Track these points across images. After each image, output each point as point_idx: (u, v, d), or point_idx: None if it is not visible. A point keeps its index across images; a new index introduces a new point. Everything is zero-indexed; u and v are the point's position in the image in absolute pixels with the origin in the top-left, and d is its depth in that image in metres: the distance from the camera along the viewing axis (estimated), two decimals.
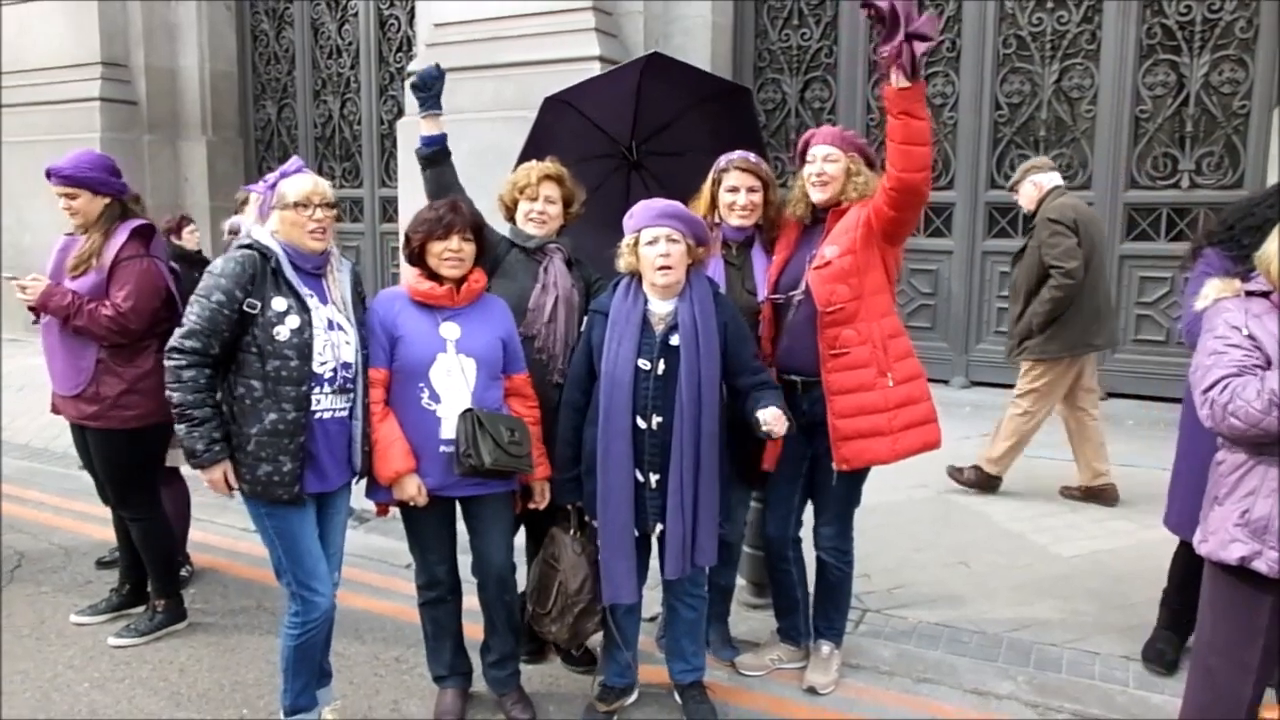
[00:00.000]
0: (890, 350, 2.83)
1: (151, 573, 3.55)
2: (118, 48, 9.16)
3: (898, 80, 2.51)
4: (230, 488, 2.51)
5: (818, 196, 2.89)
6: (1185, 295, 3.03)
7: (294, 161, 2.63)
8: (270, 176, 2.60)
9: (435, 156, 3.10)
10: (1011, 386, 6.51)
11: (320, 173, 10.63)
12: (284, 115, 9.56)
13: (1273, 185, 3.23)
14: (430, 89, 3.13)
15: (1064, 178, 6.37)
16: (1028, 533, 4.31)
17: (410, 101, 7.20)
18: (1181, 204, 6.16)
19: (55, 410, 3.56)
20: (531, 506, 2.89)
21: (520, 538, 3.05)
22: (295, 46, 9.31)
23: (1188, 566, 3.13)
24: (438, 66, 3.15)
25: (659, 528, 2.68)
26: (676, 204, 2.69)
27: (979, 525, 4.40)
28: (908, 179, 2.64)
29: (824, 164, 2.86)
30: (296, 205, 2.52)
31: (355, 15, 8.87)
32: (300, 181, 2.56)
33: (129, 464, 3.41)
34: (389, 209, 8.67)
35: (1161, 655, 3.12)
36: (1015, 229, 6.58)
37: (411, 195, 6.79)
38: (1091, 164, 6.36)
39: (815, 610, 3.15)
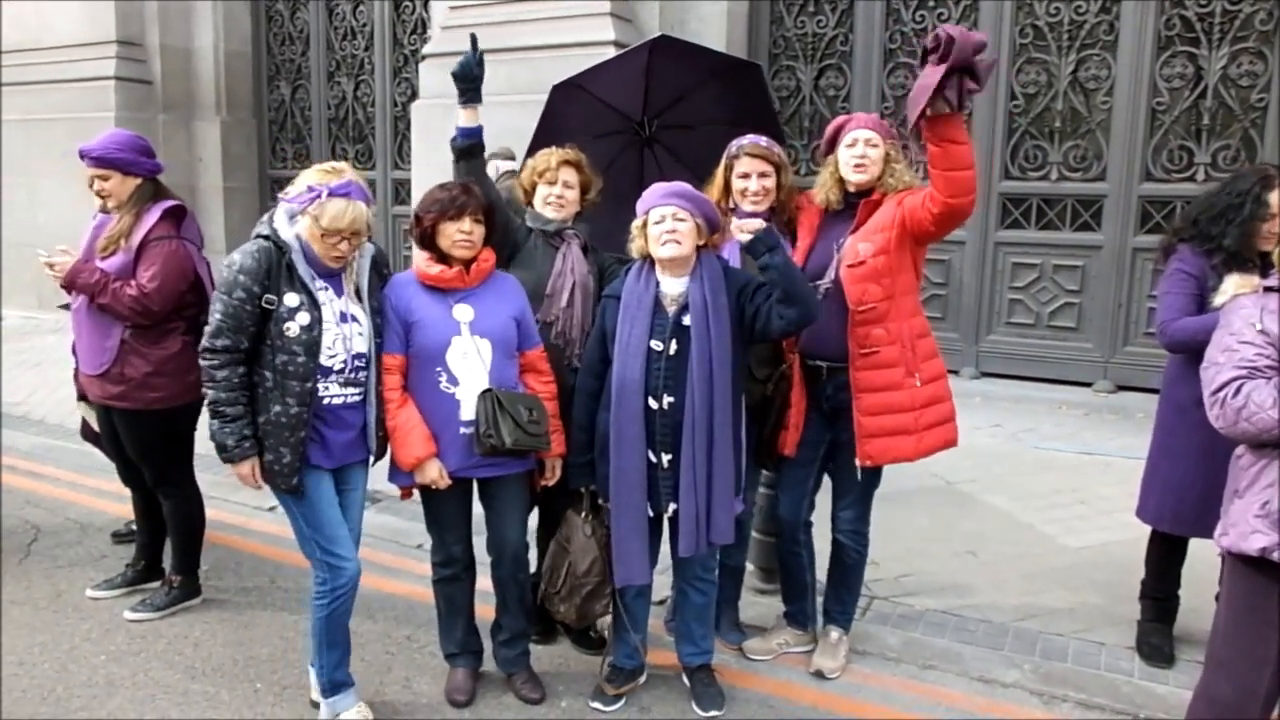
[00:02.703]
0: (918, 350, 2.84)
1: (175, 548, 3.58)
2: (133, 27, 9.16)
3: (938, 108, 2.49)
4: (259, 484, 2.58)
5: (857, 178, 2.86)
6: (1160, 294, 3.04)
7: (345, 183, 2.51)
8: (319, 185, 2.50)
9: (473, 149, 2.98)
10: (1021, 378, 6.58)
11: (333, 154, 10.56)
12: (298, 96, 9.56)
13: (1230, 175, 3.23)
14: (472, 80, 2.97)
15: (1078, 169, 6.42)
16: (1037, 524, 4.32)
17: (424, 84, 7.20)
18: (1197, 197, 6.12)
19: (81, 393, 3.57)
20: (542, 483, 2.92)
21: (532, 520, 3.07)
22: (310, 28, 9.30)
23: (1164, 554, 3.17)
24: (478, 55, 2.96)
25: (672, 507, 2.70)
26: (684, 185, 2.71)
27: (990, 516, 4.41)
28: (954, 204, 2.65)
29: (866, 147, 2.83)
30: (326, 233, 2.50)
31: None
32: (339, 210, 2.47)
33: (158, 444, 3.43)
34: (401, 191, 8.69)
35: (1159, 650, 3.14)
36: (1028, 220, 6.56)
37: (424, 178, 6.80)
38: (1106, 156, 6.31)
39: (826, 594, 3.18)
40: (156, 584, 3.65)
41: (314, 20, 9.26)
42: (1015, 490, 4.72)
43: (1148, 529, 3.23)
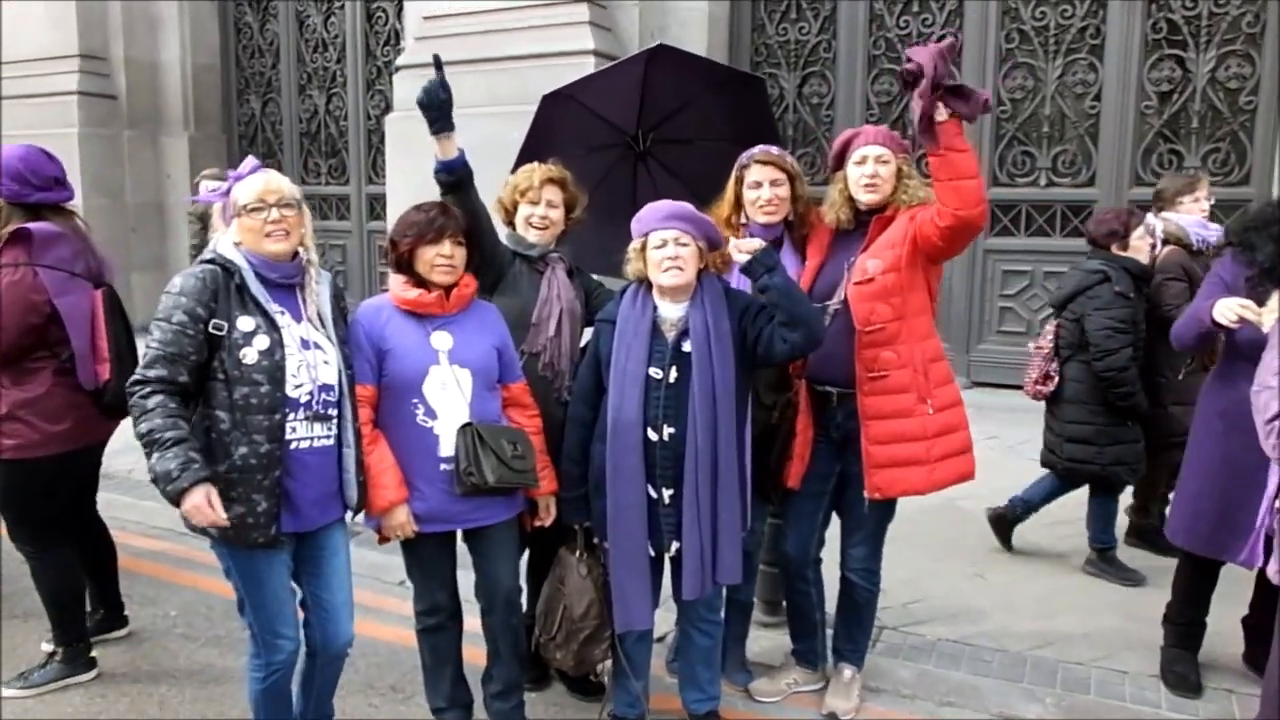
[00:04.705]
0: (931, 375, 2.68)
1: (49, 616, 3.18)
2: (96, 40, 8.92)
3: (935, 116, 2.38)
4: (221, 516, 2.16)
5: (868, 199, 2.71)
6: (1197, 294, 2.93)
7: (248, 163, 2.36)
8: (223, 184, 2.36)
9: (459, 182, 2.70)
10: (1014, 387, 6.46)
11: (305, 169, 10.25)
12: (268, 110, 9.35)
13: None
14: (439, 106, 2.65)
15: (1067, 174, 6.33)
16: (1044, 541, 4.19)
17: (398, 96, 7.01)
18: None
19: None
20: (537, 524, 2.73)
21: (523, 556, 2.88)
22: (280, 40, 9.10)
23: (1194, 580, 3.03)
24: (441, 80, 2.66)
25: (674, 546, 2.52)
26: (685, 205, 2.54)
27: (994, 535, 4.26)
28: (964, 216, 2.49)
29: (876, 165, 2.69)
30: (250, 209, 2.28)
31: (341, 8, 8.66)
32: (252, 183, 2.30)
33: (14, 495, 3.03)
34: (376, 206, 8.48)
35: (1185, 679, 3.00)
36: (1018, 227, 6.47)
37: (399, 192, 6.60)
38: (1095, 161, 6.24)
39: (836, 630, 3.01)
40: (124, 631, 3.42)
41: (284, 32, 9.05)
42: None
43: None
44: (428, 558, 2.63)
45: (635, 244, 2.53)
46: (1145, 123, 6.12)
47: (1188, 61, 5.99)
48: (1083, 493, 4.74)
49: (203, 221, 6.27)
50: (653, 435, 2.46)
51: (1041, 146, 6.39)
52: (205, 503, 2.14)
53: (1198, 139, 6.01)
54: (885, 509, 2.82)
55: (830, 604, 3.04)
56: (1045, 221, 6.42)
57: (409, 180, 6.38)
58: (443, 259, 2.50)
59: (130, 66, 9.04)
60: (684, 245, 2.45)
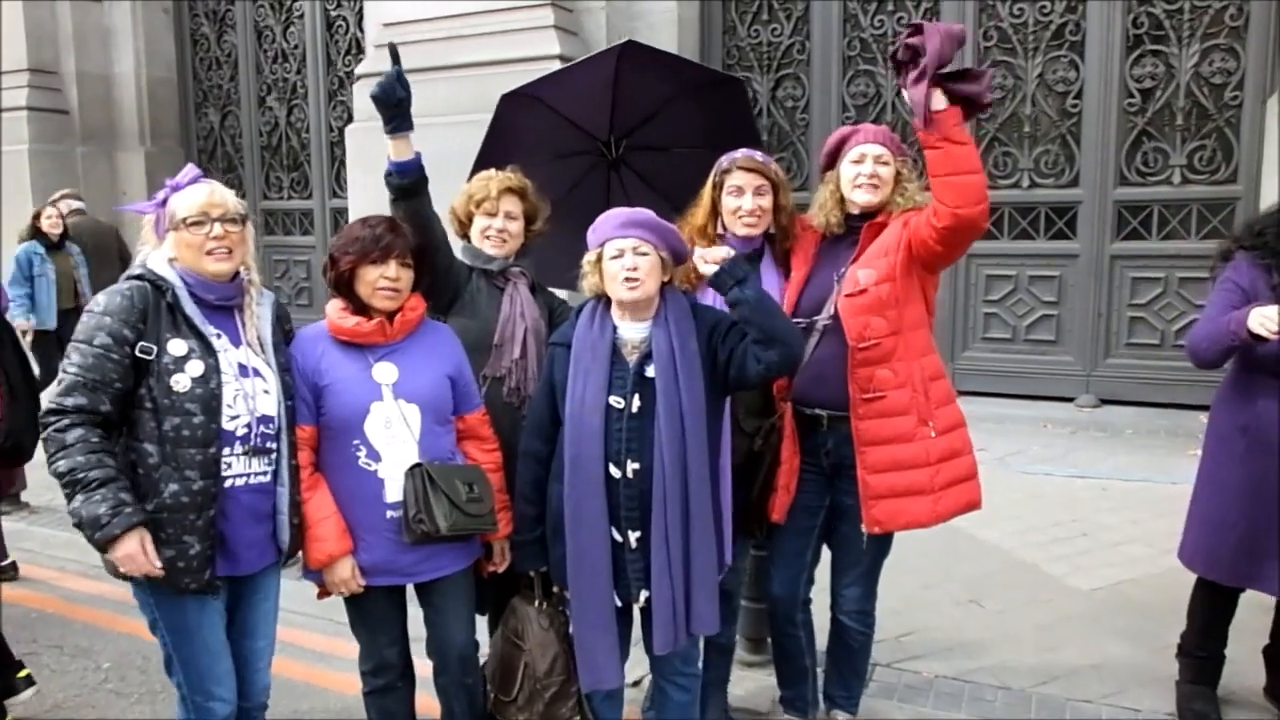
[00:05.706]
0: (931, 394, 2.43)
1: None
2: (46, 53, 8.64)
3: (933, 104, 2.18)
4: (155, 565, 1.97)
5: (864, 199, 2.47)
6: (1209, 302, 2.72)
7: (188, 171, 2.16)
8: (160, 193, 2.13)
9: (413, 187, 2.47)
10: (1000, 395, 6.27)
11: (267, 183, 9.94)
12: (227, 123, 9.07)
13: None
14: (396, 103, 2.40)
15: (1050, 175, 6.15)
16: (1041, 563, 3.97)
17: (359, 106, 6.76)
18: (1173, 201, 5.90)
19: None
20: (491, 569, 2.48)
21: None
22: (238, 51, 8.83)
23: (1211, 608, 2.80)
24: (398, 72, 2.41)
25: (643, 595, 2.27)
26: (644, 211, 2.29)
27: (988, 556, 4.05)
28: (964, 215, 2.26)
29: (875, 165, 2.45)
30: (190, 223, 2.07)
31: (301, 17, 8.42)
32: (193, 194, 2.10)
33: None
34: (340, 220, 8.20)
35: (1205, 718, 2.77)
36: (1002, 230, 6.29)
37: (362, 206, 6.35)
38: (1079, 161, 6.08)
39: (828, 674, 2.76)
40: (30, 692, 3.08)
41: (242, 43, 8.79)
42: (1012, 523, 4.37)
43: (1161, 563, 2.88)
44: (374, 613, 2.38)
45: (590, 256, 2.28)
46: (1128, 121, 5.97)
47: (1170, 57, 5.84)
48: (1076, 509, 4.57)
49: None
50: (615, 472, 2.20)
51: (1023, 147, 6.23)
52: (139, 550, 1.96)
53: (1183, 136, 5.86)
54: (882, 545, 2.58)
55: (820, 638, 2.79)
56: (1029, 224, 6.26)
57: (371, 194, 6.13)
58: (386, 281, 2.25)
59: (82, 80, 8.78)
60: (643, 255, 2.20)
